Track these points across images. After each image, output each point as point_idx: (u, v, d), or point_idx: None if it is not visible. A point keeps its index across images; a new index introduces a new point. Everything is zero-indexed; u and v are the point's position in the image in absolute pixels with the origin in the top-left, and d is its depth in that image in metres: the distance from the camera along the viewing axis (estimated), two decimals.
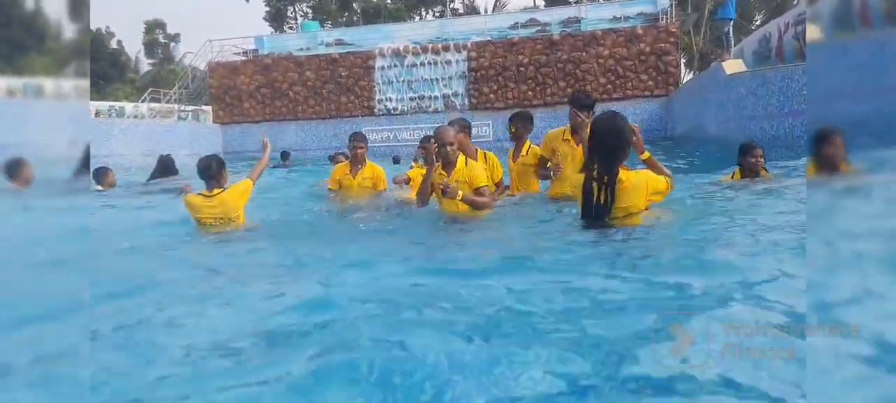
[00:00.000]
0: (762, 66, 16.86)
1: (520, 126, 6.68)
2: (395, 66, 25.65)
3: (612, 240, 4.07)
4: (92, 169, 8.70)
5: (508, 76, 24.89)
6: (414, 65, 25.48)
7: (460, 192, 5.43)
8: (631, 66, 23.81)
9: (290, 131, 26.96)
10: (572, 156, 6.09)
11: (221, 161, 5.76)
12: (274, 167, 14.60)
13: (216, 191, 5.62)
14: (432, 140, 5.85)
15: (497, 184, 6.54)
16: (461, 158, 5.78)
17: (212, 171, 5.62)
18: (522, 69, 24.87)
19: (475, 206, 5.51)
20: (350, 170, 7.53)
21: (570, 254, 3.98)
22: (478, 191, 5.59)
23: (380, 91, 25.86)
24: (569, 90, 24.38)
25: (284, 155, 16.34)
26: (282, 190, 9.67)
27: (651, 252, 3.83)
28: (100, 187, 8.98)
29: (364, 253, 4.34)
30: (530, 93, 25.01)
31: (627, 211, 4.33)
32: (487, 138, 25.01)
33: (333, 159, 11.78)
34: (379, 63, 25.95)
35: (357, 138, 7.51)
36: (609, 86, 24.04)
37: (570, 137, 6.19)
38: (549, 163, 6.31)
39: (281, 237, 5.54)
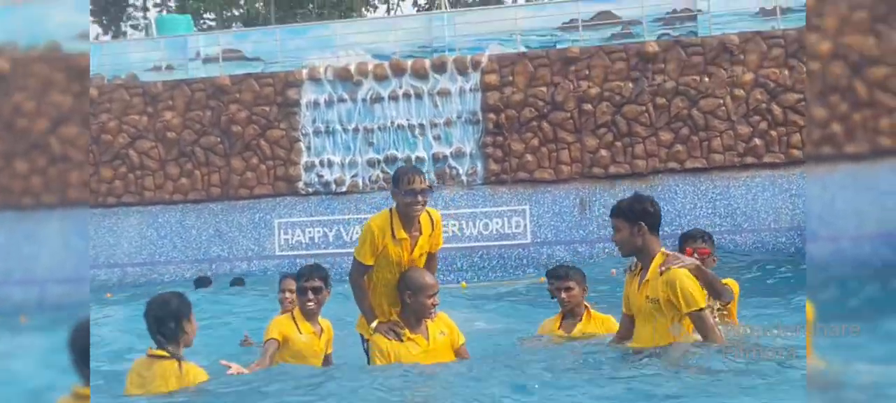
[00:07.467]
0: None
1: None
2: (341, 100, 16.10)
3: None
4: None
5: (560, 120, 15.33)
6: (377, 97, 15.90)
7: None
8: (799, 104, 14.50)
9: (130, 226, 16.33)
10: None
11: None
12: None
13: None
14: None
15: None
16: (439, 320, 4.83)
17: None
18: (588, 107, 15.18)
19: None
20: (298, 325, 5.90)
21: None
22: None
23: (310, 147, 16.13)
24: (678, 148, 15.11)
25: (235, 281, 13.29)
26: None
27: None
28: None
29: None
30: (603, 152, 15.35)
31: None
32: (522, 237, 15.47)
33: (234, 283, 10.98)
34: (308, 95, 16.13)
35: (313, 274, 5.63)
36: (755, 141, 14.66)
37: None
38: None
39: None
